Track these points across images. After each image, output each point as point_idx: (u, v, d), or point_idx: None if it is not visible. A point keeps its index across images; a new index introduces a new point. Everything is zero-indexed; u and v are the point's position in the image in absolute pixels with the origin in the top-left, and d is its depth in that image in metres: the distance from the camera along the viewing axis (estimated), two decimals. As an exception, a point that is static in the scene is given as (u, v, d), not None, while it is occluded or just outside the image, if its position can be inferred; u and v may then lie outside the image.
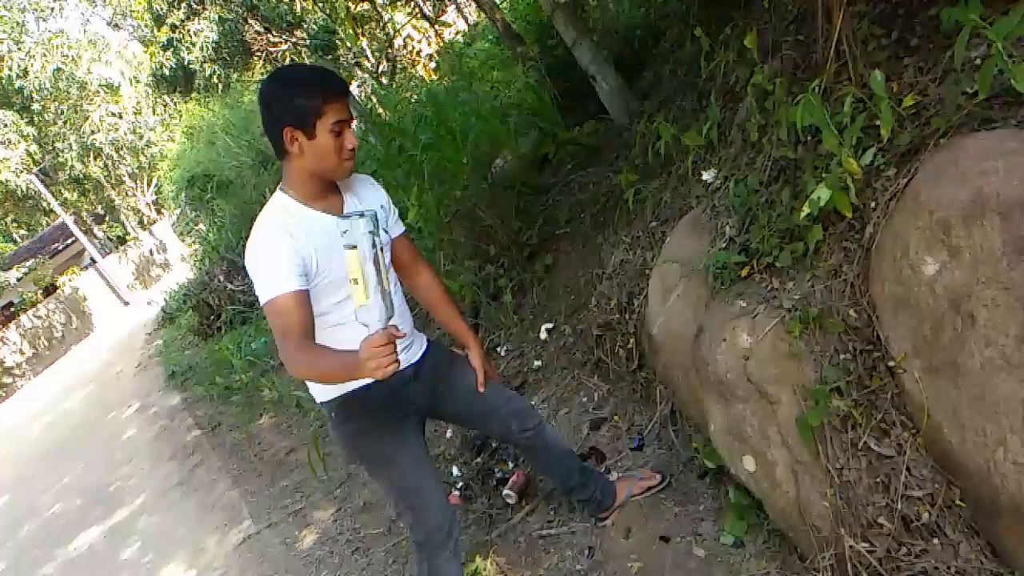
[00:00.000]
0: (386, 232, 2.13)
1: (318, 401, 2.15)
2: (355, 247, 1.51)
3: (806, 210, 1.94)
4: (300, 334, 1.72)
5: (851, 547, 1.81)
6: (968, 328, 1.57)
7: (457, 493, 3.32)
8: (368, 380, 2.04)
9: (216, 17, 10.99)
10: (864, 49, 2.14)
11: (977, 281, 1.54)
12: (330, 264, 1.86)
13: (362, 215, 1.51)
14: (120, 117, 25.01)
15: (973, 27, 1.61)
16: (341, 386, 2.06)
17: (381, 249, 1.55)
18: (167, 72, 12.45)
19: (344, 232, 1.52)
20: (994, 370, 1.52)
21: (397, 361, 1.53)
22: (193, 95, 13.31)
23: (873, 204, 1.90)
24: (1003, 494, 1.54)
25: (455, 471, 3.52)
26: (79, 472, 7.31)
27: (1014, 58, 1.54)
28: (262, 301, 1.77)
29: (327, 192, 1.98)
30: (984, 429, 1.56)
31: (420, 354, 2.24)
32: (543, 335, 4.10)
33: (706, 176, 2.81)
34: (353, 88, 12.39)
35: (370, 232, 1.51)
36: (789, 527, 2.10)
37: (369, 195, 2.13)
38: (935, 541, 1.73)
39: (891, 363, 1.81)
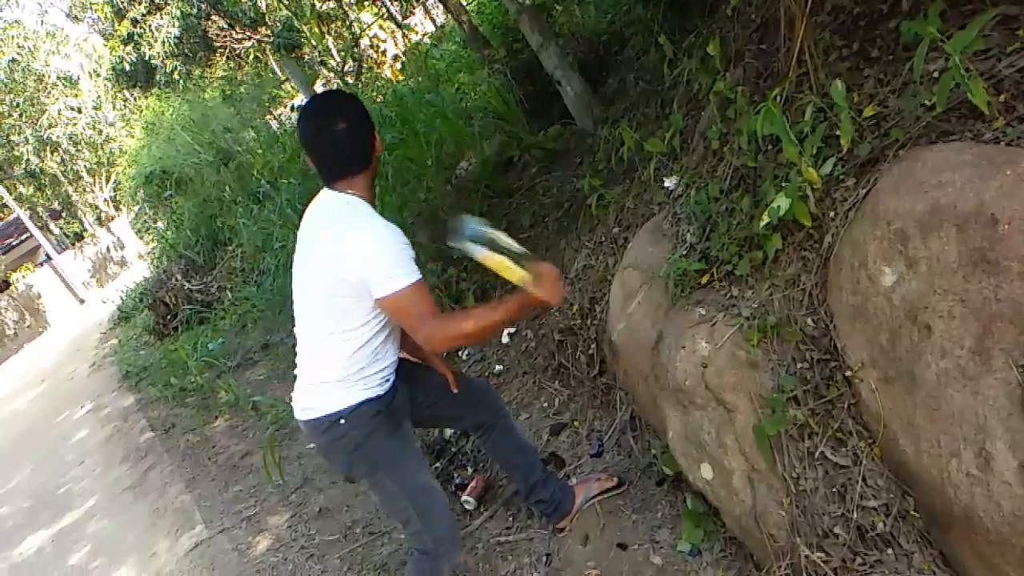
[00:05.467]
0: None
1: (325, 413, 2.06)
2: (476, 244, 1.90)
3: (765, 219, 1.94)
4: (437, 312, 1.91)
5: (807, 556, 1.81)
6: (924, 339, 1.57)
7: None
8: (385, 388, 2.13)
9: (178, 12, 10.84)
10: (825, 59, 2.15)
11: (933, 292, 1.54)
12: None
13: (459, 218, 1.93)
14: (79, 111, 24.43)
15: (932, 40, 1.63)
16: (361, 392, 2.07)
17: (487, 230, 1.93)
18: (128, 66, 12.23)
19: (465, 240, 1.91)
20: (949, 381, 1.53)
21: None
22: (154, 90, 13.10)
23: (832, 214, 1.91)
24: (956, 505, 1.55)
25: (413, 476, 3.47)
26: (28, 474, 7.09)
27: (970, 72, 1.56)
28: (405, 282, 1.87)
29: None
30: (938, 440, 1.57)
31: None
32: (505, 339, 4.08)
33: (668, 183, 2.81)
34: (318, 87, 12.29)
35: (473, 227, 1.92)
36: (745, 536, 2.10)
37: None
38: (889, 551, 1.73)
39: (848, 373, 1.81)
